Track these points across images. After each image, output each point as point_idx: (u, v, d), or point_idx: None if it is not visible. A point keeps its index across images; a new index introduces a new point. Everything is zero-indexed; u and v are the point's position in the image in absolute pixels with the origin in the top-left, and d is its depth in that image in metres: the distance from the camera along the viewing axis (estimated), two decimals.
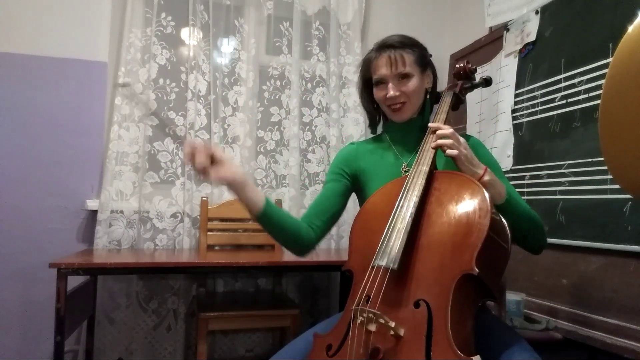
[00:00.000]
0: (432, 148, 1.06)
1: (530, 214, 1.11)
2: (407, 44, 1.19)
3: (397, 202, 1.01)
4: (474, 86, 1.30)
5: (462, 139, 1.05)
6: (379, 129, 1.35)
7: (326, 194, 1.24)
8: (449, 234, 0.93)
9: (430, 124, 1.11)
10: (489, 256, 0.91)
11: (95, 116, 2.11)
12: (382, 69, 1.18)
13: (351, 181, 1.27)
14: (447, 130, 1.05)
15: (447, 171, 1.07)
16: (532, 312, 1.62)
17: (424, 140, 1.12)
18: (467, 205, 0.95)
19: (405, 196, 1.01)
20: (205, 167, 0.98)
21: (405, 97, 1.18)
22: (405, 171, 1.20)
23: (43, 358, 1.98)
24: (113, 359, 2.05)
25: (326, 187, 1.26)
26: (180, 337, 2.15)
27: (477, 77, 1.32)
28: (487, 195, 0.94)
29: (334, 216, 1.24)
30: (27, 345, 1.98)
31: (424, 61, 1.22)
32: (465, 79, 1.28)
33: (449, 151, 1.02)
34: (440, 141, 1.03)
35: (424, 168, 1.04)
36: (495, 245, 0.94)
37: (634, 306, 1.31)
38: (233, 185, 1.04)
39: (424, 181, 1.01)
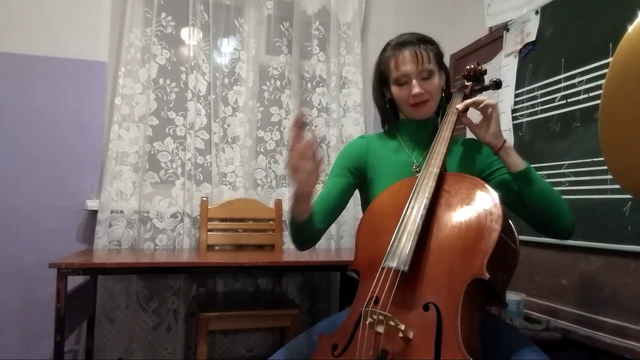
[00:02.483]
0: (458, 107, 1.13)
1: (558, 194, 1.09)
2: (426, 40, 1.18)
3: (407, 204, 1.00)
4: (484, 88, 1.27)
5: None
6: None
7: (332, 189, 1.21)
8: (460, 237, 0.92)
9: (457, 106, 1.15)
10: (499, 260, 0.91)
11: (95, 116, 2.10)
12: (407, 66, 1.14)
13: (356, 177, 1.24)
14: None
15: (457, 173, 1.07)
16: (532, 312, 1.62)
17: (434, 140, 1.11)
18: (478, 208, 0.94)
19: (416, 197, 1.00)
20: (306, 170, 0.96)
21: (429, 95, 1.16)
22: (416, 172, 1.17)
23: (43, 358, 1.98)
24: (113, 359, 2.05)
25: (332, 181, 1.22)
26: (180, 337, 2.14)
27: (487, 79, 1.30)
28: (498, 198, 0.93)
29: (338, 213, 1.23)
30: (27, 345, 1.98)
31: (441, 58, 1.21)
32: (475, 80, 1.26)
33: (488, 101, 1.08)
34: (473, 99, 1.10)
35: (435, 170, 1.03)
36: (506, 248, 0.94)
37: (634, 306, 1.31)
38: (306, 196, 1.03)
39: (434, 183, 1.00)
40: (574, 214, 1.08)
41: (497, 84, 1.27)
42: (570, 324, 1.48)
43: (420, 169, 1.11)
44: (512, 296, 1.55)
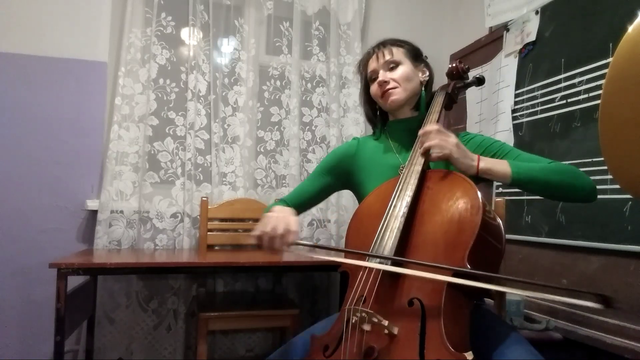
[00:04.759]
0: (421, 155, 1.07)
1: (557, 169, 1.05)
2: (397, 40, 1.27)
3: (390, 202, 1.01)
4: (467, 85, 1.31)
5: (451, 135, 1.05)
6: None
7: (309, 187, 1.31)
8: (442, 232, 0.94)
9: (419, 132, 1.09)
10: (482, 254, 0.91)
11: (95, 116, 2.10)
12: (373, 64, 1.25)
13: (338, 178, 1.30)
14: (431, 127, 1.06)
15: (439, 170, 1.08)
16: (532, 312, 1.62)
17: (417, 140, 1.12)
18: (459, 203, 0.95)
19: (398, 196, 1.02)
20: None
21: (395, 83, 1.20)
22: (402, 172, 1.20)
23: (43, 358, 1.98)
24: (113, 359, 2.05)
25: (311, 179, 1.32)
26: (180, 337, 2.14)
27: (470, 76, 1.32)
28: (478, 192, 0.94)
29: (308, 208, 1.34)
30: (27, 345, 1.98)
31: (415, 54, 1.26)
32: (457, 78, 1.28)
33: (437, 153, 1.03)
34: (427, 144, 1.04)
35: (417, 168, 1.05)
36: (489, 245, 0.95)
37: (634, 306, 1.31)
38: None
39: (416, 181, 1.02)
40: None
41: (479, 80, 1.29)
42: (570, 324, 1.48)
43: None
44: (512, 296, 1.55)
